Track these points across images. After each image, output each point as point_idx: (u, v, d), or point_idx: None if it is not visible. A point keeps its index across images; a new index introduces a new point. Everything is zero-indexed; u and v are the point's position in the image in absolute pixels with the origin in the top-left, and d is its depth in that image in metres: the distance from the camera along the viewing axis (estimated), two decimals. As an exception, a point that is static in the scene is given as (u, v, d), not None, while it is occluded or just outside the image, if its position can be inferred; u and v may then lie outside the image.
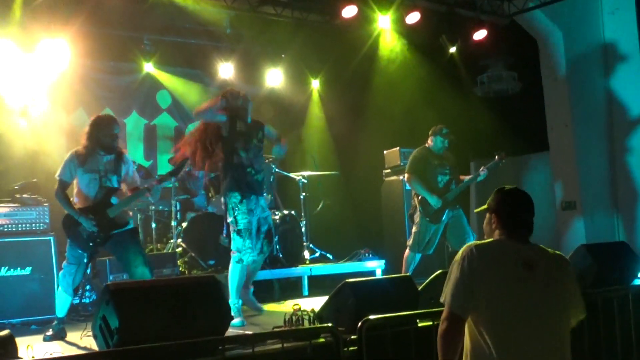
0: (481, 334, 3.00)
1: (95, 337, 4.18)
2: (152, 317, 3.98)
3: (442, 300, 3.10)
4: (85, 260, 5.72)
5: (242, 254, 6.02)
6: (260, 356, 3.89)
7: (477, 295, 2.99)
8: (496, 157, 7.52)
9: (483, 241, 3.15)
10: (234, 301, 5.93)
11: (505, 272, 3.02)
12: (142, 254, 5.75)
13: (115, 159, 5.82)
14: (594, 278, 5.92)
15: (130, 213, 6.44)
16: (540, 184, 10.35)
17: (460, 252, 3.10)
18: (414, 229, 7.47)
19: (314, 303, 5.65)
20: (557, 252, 3.19)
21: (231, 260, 6.09)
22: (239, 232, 6.01)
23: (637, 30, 8.95)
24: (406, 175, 7.60)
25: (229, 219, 6.07)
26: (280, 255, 8.41)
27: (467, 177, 7.65)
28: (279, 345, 3.97)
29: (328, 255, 9.24)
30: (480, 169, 7.47)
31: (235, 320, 5.62)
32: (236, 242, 6.03)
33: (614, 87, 9.29)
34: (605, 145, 9.35)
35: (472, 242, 3.13)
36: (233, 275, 6.06)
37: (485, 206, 3.31)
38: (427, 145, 7.61)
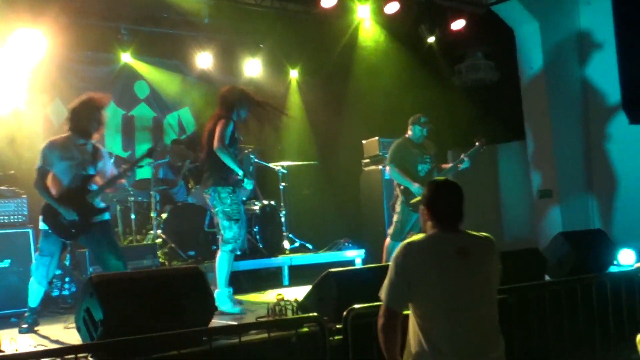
0: (420, 325, 3.13)
1: (78, 329, 4.16)
2: (136, 309, 3.98)
3: (379, 295, 3.23)
4: (58, 253, 5.71)
5: (236, 243, 6.06)
6: (246, 346, 3.92)
7: (413, 290, 3.13)
8: (476, 143, 7.54)
9: (417, 236, 3.29)
10: (225, 291, 5.94)
11: (441, 263, 3.16)
12: (115, 248, 5.76)
13: (93, 152, 5.82)
14: (572, 265, 6.03)
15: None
16: (517, 173, 10.46)
17: (396, 249, 3.23)
18: (395, 218, 7.45)
19: (296, 292, 5.68)
20: (484, 234, 3.34)
21: (222, 250, 6.05)
22: (237, 221, 6.04)
23: (613, 20, 9.02)
24: (387, 167, 7.64)
25: (224, 209, 6.04)
26: (261, 246, 8.41)
27: (448, 166, 7.67)
28: (265, 335, 3.99)
29: (308, 245, 9.25)
30: (461, 157, 7.49)
31: (235, 307, 5.82)
32: (233, 231, 6.03)
33: (589, 76, 9.39)
34: (581, 133, 9.45)
35: (407, 239, 3.28)
36: (223, 265, 6.03)
37: (418, 198, 3.43)
38: (406, 135, 7.61)
